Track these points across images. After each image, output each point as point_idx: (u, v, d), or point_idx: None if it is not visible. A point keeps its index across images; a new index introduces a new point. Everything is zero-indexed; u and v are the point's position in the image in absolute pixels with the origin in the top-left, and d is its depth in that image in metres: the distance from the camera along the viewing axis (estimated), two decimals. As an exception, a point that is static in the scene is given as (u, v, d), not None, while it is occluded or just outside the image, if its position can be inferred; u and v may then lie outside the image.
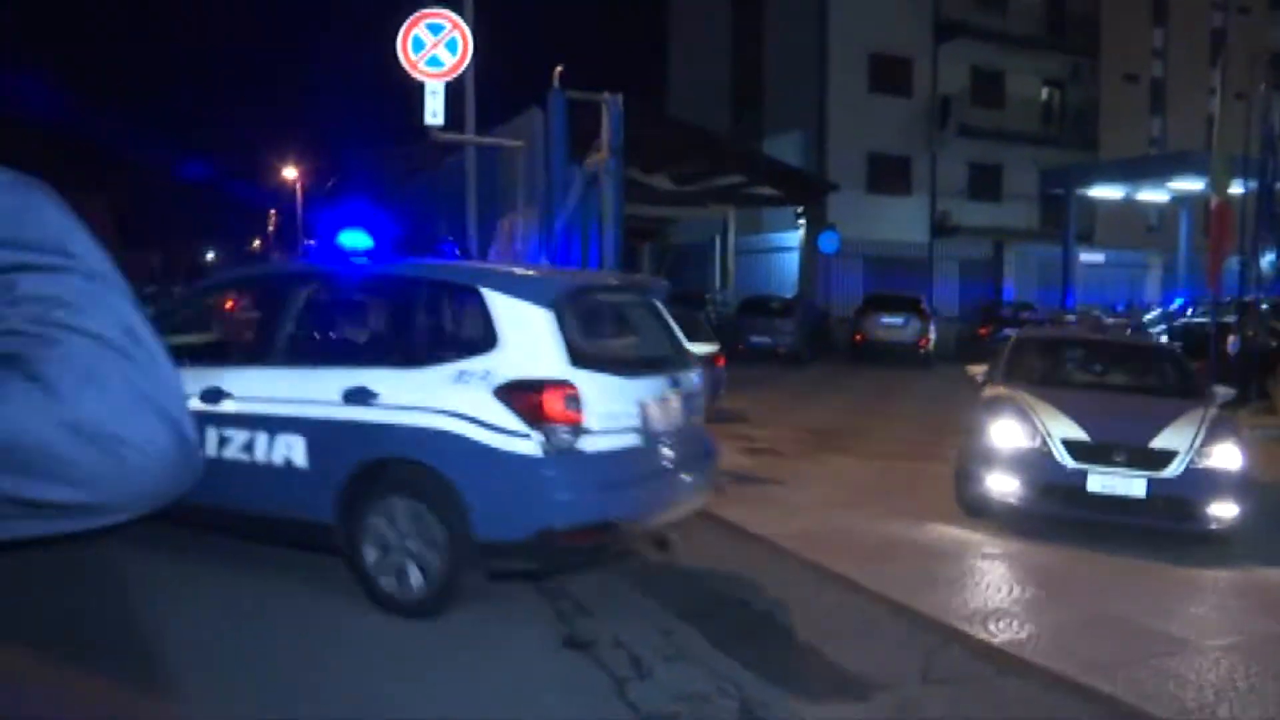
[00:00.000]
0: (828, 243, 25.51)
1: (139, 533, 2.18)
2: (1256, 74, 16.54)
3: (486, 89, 9.40)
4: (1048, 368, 8.06)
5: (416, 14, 8.24)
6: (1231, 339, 13.01)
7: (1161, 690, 3.89)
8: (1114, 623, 4.78)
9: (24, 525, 0.66)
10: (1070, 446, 6.38)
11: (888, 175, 30.54)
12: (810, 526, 6.61)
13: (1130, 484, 6.22)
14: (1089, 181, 28.37)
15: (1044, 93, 33.34)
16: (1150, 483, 6.17)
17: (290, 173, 41.47)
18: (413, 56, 8.26)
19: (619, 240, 8.67)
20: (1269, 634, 4.73)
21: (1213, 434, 6.35)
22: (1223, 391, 7.36)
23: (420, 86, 8.53)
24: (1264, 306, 14.09)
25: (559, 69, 8.44)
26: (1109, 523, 6.33)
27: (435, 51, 8.29)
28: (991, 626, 4.65)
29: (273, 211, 65.57)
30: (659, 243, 32.98)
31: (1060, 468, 6.35)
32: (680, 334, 5.50)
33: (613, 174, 8.42)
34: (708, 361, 11.99)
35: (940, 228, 30.97)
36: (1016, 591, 5.39)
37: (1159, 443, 6.31)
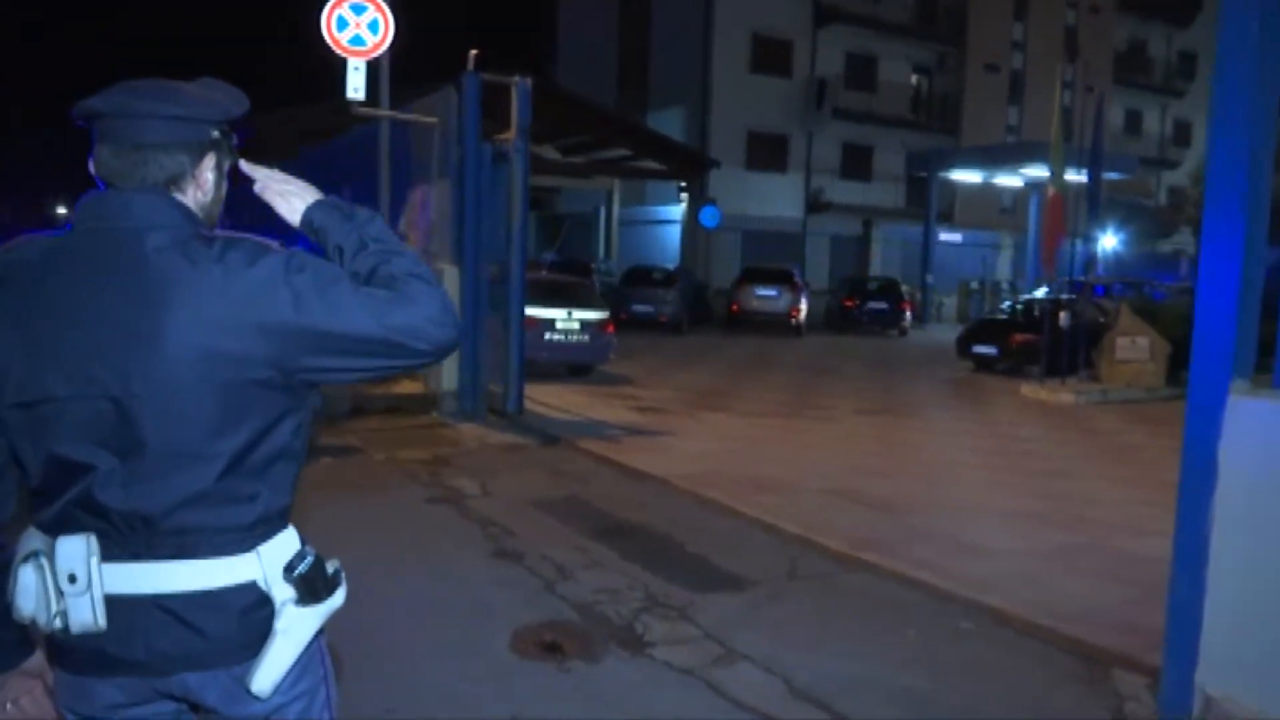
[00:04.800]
0: (708, 217, 26.70)
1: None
2: (1100, 70, 18.33)
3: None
4: None
5: (339, -6, 8.77)
6: (1063, 315, 14.64)
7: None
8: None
9: (396, 365, 1.49)
10: None
11: (766, 153, 31.89)
12: (696, 469, 7.61)
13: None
14: (950, 165, 30.43)
15: (913, 79, 35.26)
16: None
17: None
18: (336, 34, 8.79)
19: (526, 215, 9.45)
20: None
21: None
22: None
23: (323, 56, 9.12)
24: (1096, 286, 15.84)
25: (474, 52, 9.10)
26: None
27: (358, 31, 8.84)
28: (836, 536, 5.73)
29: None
30: (544, 213, 33.61)
31: None
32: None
33: (520, 153, 9.16)
34: (598, 327, 12.92)
35: (814, 205, 32.57)
36: (854, 512, 6.52)
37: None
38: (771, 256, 27.86)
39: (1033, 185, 29.78)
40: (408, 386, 9.90)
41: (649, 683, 3.65)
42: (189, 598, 1.42)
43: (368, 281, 1.48)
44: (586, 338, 12.71)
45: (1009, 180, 31.08)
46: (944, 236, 32.34)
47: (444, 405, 9.51)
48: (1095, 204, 15.16)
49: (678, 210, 28.65)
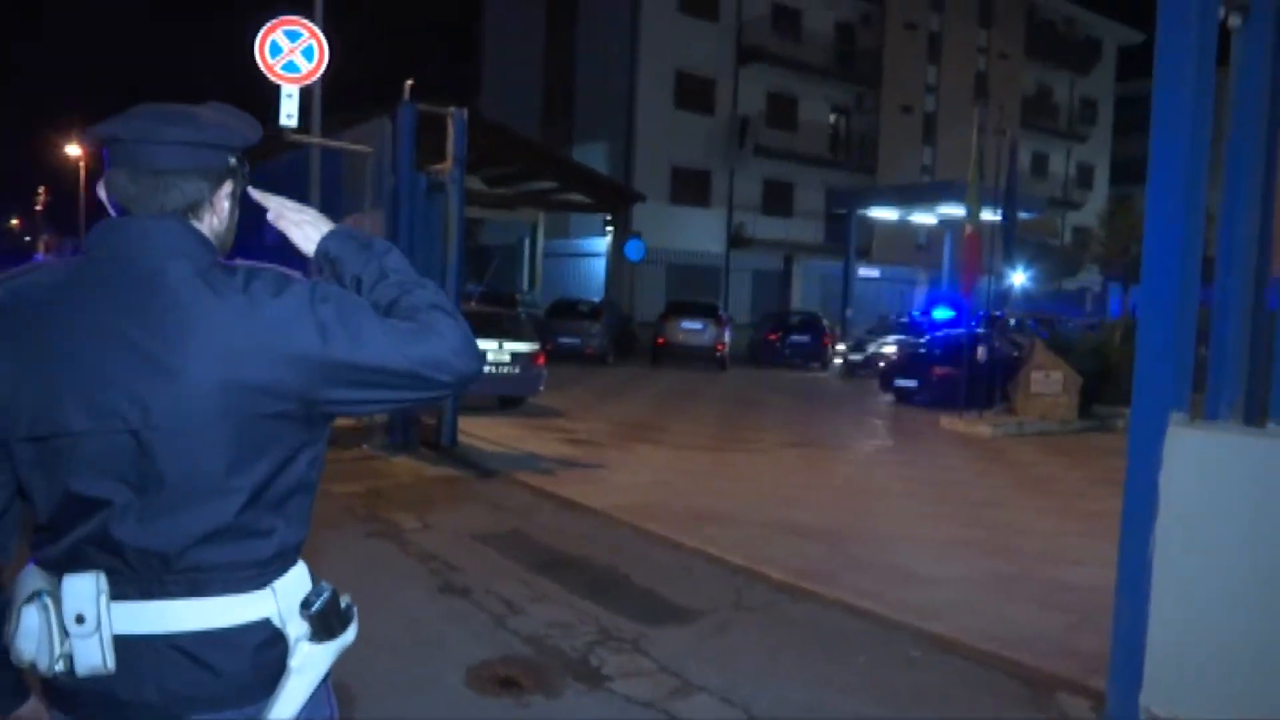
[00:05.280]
0: (634, 250, 26.89)
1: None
2: (1010, 113, 19.25)
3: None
4: None
5: (275, 20, 8.66)
6: (981, 349, 15.12)
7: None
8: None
9: (418, 398, 1.49)
10: None
11: (689, 188, 32.33)
12: (634, 502, 7.62)
13: None
14: (869, 203, 31.26)
15: (831, 119, 36.22)
16: None
17: (74, 150, 38.60)
18: (270, 60, 8.67)
19: (462, 246, 9.41)
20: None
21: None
22: None
23: (250, 78, 8.99)
24: (1012, 321, 16.51)
25: (409, 82, 9.06)
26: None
27: (292, 57, 8.74)
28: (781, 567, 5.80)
29: (43, 189, 60.58)
30: (469, 243, 33.41)
31: None
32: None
33: (457, 183, 9.13)
34: (529, 359, 12.88)
35: (736, 240, 33.09)
36: (792, 543, 6.60)
37: None
38: (694, 290, 28.16)
39: (947, 223, 30.80)
40: (337, 419, 9.69)
41: (611, 717, 3.63)
42: (202, 636, 1.38)
43: (388, 313, 1.48)
44: (518, 370, 12.66)
45: (924, 218, 32.04)
46: (863, 272, 33.14)
47: (375, 438, 9.35)
48: (1010, 242, 15.75)
49: (602, 243, 28.79)
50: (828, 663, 4.28)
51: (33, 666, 1.38)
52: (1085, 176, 45.31)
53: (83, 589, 1.34)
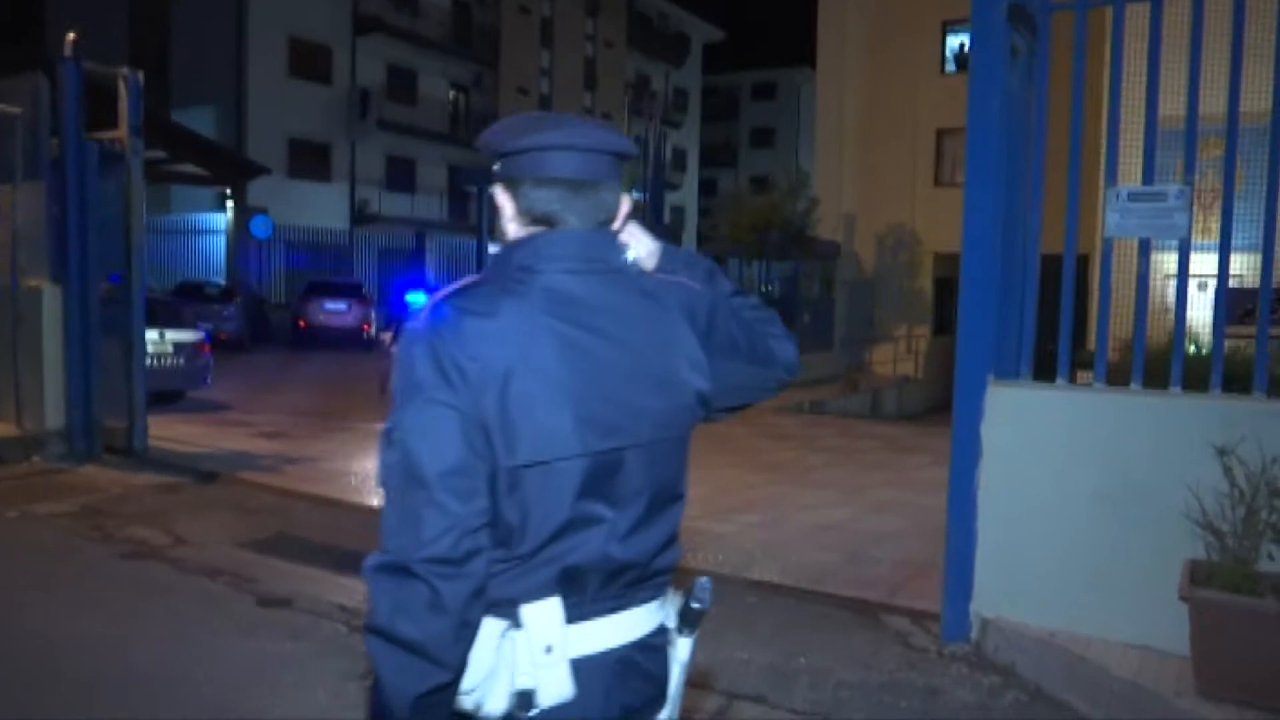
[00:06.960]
0: (260, 227, 25.13)
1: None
2: (617, 99, 20.70)
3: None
4: None
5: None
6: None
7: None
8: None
9: (759, 400, 1.58)
10: None
11: (309, 161, 30.66)
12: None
13: None
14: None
15: (451, 95, 36.14)
16: None
17: None
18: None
19: (143, 223, 8.44)
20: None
21: None
22: None
23: None
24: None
25: (71, 35, 7.90)
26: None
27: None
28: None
29: None
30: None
31: None
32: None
33: (138, 154, 8.15)
34: (195, 349, 11.80)
35: (360, 216, 32.03)
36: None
37: None
38: (319, 268, 26.95)
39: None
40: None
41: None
42: (638, 646, 1.40)
43: None
44: (182, 361, 11.54)
45: (550, 196, 33.22)
46: (492, 248, 33.59)
47: (50, 447, 8.10)
48: (660, 223, 17.05)
49: (221, 219, 26.50)
50: (685, 619, 4.61)
51: (474, 711, 1.31)
52: (680, 160, 49.39)
53: (549, 617, 1.31)
